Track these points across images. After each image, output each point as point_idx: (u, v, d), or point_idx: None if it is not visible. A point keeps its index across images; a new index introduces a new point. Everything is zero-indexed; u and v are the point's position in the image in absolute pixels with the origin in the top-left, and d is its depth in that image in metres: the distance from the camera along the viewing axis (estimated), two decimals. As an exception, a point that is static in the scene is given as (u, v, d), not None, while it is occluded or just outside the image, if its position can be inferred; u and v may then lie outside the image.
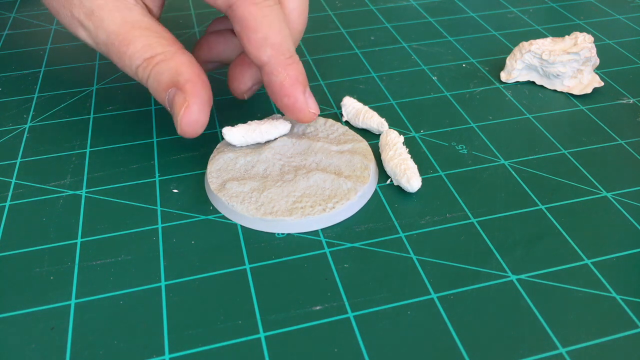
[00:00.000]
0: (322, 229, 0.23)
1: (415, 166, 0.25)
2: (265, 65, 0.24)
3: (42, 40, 0.37)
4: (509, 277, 0.21)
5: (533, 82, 0.32)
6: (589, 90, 0.31)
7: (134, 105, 0.31)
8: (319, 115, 0.29)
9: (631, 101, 0.31)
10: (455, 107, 0.30)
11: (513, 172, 0.26)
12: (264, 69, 0.24)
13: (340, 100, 0.31)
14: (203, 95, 0.23)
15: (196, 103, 0.23)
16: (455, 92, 0.32)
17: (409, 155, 0.25)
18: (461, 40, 0.37)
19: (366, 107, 0.29)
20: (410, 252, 0.22)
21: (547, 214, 0.24)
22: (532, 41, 0.32)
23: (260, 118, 0.29)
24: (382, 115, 0.29)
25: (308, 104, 0.24)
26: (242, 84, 0.27)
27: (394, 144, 0.26)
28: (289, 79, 0.24)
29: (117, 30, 0.24)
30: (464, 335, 0.19)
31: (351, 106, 0.29)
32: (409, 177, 0.24)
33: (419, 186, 0.24)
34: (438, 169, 0.26)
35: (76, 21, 0.24)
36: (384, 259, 0.22)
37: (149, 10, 0.25)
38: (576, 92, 0.31)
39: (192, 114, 0.22)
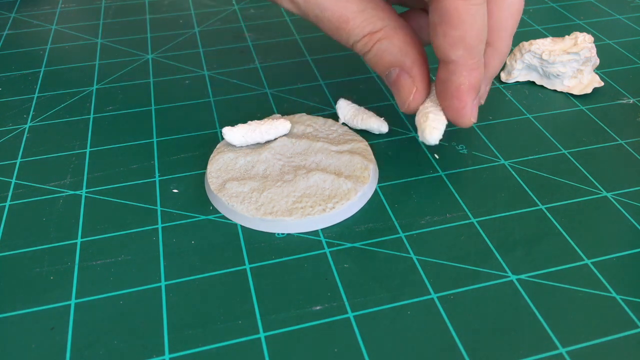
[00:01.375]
0: (322, 229, 0.23)
1: (437, 117, 0.24)
2: (451, 63, 0.22)
3: (42, 40, 0.37)
4: (509, 277, 0.21)
5: (533, 82, 0.32)
6: (589, 90, 0.31)
7: (134, 105, 0.31)
8: (319, 115, 0.29)
9: (631, 101, 0.31)
10: (455, 107, 0.30)
11: (513, 172, 0.26)
12: (448, 66, 0.23)
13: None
14: (427, 77, 0.24)
15: (423, 87, 0.24)
16: (455, 92, 0.32)
17: (434, 107, 0.24)
18: (461, 40, 0.37)
19: (363, 108, 0.29)
20: (410, 252, 0.22)
21: (547, 214, 0.24)
22: (532, 41, 0.32)
23: (260, 118, 0.29)
24: (381, 115, 0.29)
25: (473, 112, 0.24)
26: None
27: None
28: (468, 84, 0.23)
29: (333, 5, 0.23)
30: (464, 335, 0.19)
31: (347, 108, 0.29)
32: (423, 130, 0.24)
33: (435, 140, 0.23)
34: (438, 169, 0.26)
35: None
36: (384, 259, 0.22)
37: None
38: (576, 92, 0.31)
39: (420, 98, 0.24)
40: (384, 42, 0.23)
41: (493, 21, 0.24)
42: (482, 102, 0.26)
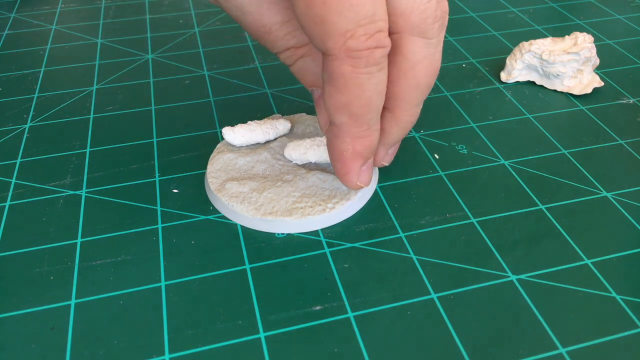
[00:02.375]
0: (322, 229, 0.23)
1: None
2: (335, 127, 0.21)
3: (42, 40, 0.37)
4: (509, 277, 0.21)
5: (533, 82, 0.32)
6: (589, 90, 0.31)
7: (134, 105, 0.31)
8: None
9: (631, 101, 0.31)
10: (455, 107, 0.30)
11: (513, 172, 0.26)
12: (332, 129, 0.21)
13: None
14: None
15: None
16: (455, 92, 0.32)
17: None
18: (461, 40, 0.37)
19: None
20: (410, 252, 0.22)
21: (547, 214, 0.24)
22: (532, 41, 0.32)
23: (260, 118, 0.29)
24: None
25: (360, 177, 0.22)
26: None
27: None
28: (352, 152, 0.21)
29: (255, 12, 0.21)
30: (464, 335, 0.19)
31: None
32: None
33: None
34: (438, 169, 0.26)
35: None
36: (384, 259, 0.22)
37: None
38: (576, 92, 0.31)
39: None
40: (307, 60, 0.22)
41: (395, 89, 0.21)
42: (386, 163, 0.24)
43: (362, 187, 0.23)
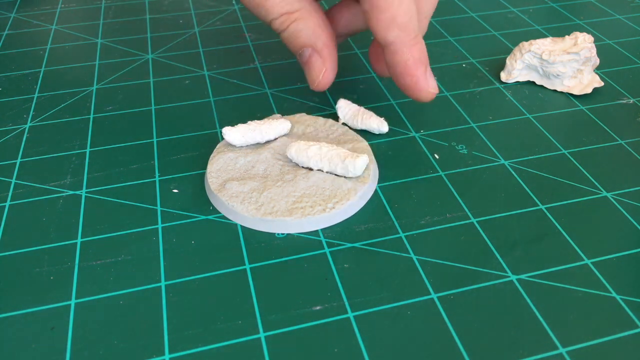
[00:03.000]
0: (322, 229, 0.23)
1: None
2: (391, 44, 0.24)
3: (42, 40, 0.37)
4: (509, 277, 0.21)
5: (533, 82, 0.32)
6: (589, 90, 0.31)
7: (134, 105, 0.31)
8: (319, 115, 0.29)
9: (631, 101, 0.31)
10: (455, 107, 0.30)
11: (513, 172, 0.26)
12: (389, 48, 0.25)
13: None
14: (335, 59, 0.26)
15: (332, 68, 0.26)
16: (455, 92, 0.32)
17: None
18: (461, 40, 0.37)
19: (362, 108, 0.29)
20: (410, 252, 0.22)
21: (547, 214, 0.24)
22: (532, 41, 0.32)
23: (260, 118, 0.29)
24: (381, 115, 0.29)
25: (429, 82, 0.25)
26: (337, 30, 0.28)
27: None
28: (413, 60, 0.24)
29: None
30: (464, 335, 0.19)
31: (347, 108, 0.29)
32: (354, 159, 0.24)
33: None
34: (438, 169, 0.26)
35: None
36: (384, 259, 0.22)
37: None
38: (576, 92, 0.31)
39: (328, 78, 0.26)
40: (300, 23, 0.25)
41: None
42: (432, 90, 0.27)
43: (433, 95, 0.26)
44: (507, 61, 0.32)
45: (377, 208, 0.24)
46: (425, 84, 0.25)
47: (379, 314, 0.20)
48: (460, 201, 0.24)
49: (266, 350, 0.19)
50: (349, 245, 0.23)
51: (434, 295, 0.21)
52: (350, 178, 0.24)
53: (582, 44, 0.30)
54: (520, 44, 0.32)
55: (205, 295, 0.21)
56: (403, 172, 0.26)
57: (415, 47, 0.25)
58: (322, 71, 0.26)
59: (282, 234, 0.23)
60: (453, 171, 0.26)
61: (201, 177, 0.26)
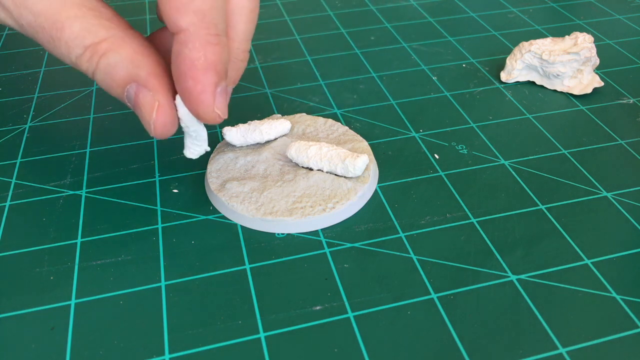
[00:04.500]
0: (322, 229, 0.23)
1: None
2: (181, 32, 0.18)
3: (42, 40, 0.37)
4: (509, 277, 0.21)
5: (533, 82, 0.32)
6: (589, 90, 0.31)
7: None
8: (319, 115, 0.29)
9: (631, 101, 0.31)
10: (455, 107, 0.30)
11: (513, 172, 0.26)
12: (179, 37, 0.19)
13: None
14: (171, 86, 0.20)
15: (167, 101, 0.19)
16: (455, 92, 0.32)
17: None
18: (461, 40, 0.37)
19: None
20: (410, 252, 0.22)
21: (547, 214, 0.24)
22: (532, 41, 0.32)
23: (260, 118, 0.29)
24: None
25: (216, 101, 0.19)
26: (167, 59, 0.21)
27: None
28: (204, 61, 0.19)
29: (46, 10, 0.19)
30: (464, 335, 0.19)
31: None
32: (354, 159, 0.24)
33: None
34: (438, 169, 0.26)
35: None
36: (384, 259, 0.22)
37: None
38: (576, 92, 0.31)
39: (166, 114, 0.20)
40: (111, 55, 0.19)
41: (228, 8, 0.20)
42: (229, 91, 0.21)
43: (219, 119, 0.20)
44: (507, 61, 0.32)
45: (377, 208, 0.24)
46: (209, 97, 0.19)
47: (379, 314, 0.20)
48: (460, 201, 0.24)
49: (266, 350, 0.19)
50: (349, 245, 0.23)
51: (434, 295, 0.21)
52: (350, 178, 0.24)
53: (582, 44, 0.30)
54: (520, 44, 0.32)
55: (205, 295, 0.21)
56: (403, 172, 0.26)
57: (211, 47, 0.19)
58: (155, 107, 0.19)
59: (282, 234, 0.23)
60: (453, 171, 0.26)
61: (201, 177, 0.26)
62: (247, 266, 0.22)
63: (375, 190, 0.25)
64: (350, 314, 0.20)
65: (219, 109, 0.20)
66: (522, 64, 0.32)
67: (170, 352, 0.19)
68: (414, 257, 0.22)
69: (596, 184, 0.25)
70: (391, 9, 0.41)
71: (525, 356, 0.19)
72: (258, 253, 0.22)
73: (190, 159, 0.27)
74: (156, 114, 0.19)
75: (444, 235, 0.23)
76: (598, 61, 0.31)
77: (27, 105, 0.31)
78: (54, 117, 0.30)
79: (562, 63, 0.31)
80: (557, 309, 0.20)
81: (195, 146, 0.22)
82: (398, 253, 0.22)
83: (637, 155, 0.27)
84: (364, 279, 0.21)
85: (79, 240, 0.23)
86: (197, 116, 0.20)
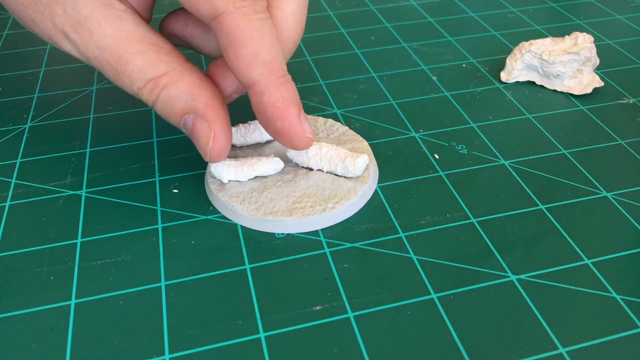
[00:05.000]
0: (322, 229, 0.23)
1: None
2: (256, 84, 0.21)
3: (42, 40, 0.37)
4: (509, 277, 0.21)
5: (533, 82, 0.32)
6: (589, 90, 0.31)
7: (134, 105, 0.31)
8: (319, 115, 0.29)
9: (631, 101, 0.31)
10: (455, 107, 0.30)
11: (513, 172, 0.26)
12: (254, 88, 0.21)
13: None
14: (225, 118, 0.22)
15: (222, 130, 0.22)
16: (455, 92, 0.32)
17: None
18: (461, 40, 0.37)
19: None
20: (410, 252, 0.22)
21: (547, 214, 0.24)
22: (532, 41, 0.32)
23: (260, 118, 0.29)
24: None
25: (305, 128, 0.22)
26: (222, 88, 0.24)
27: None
28: (283, 101, 0.21)
29: (111, 45, 0.21)
30: (464, 335, 0.19)
31: (227, 164, 0.24)
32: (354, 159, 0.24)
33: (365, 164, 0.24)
34: (438, 169, 0.26)
35: (60, 33, 0.22)
36: (384, 259, 0.22)
37: (140, 15, 0.22)
38: (576, 92, 0.31)
39: (221, 143, 0.22)
40: (171, 88, 0.21)
41: (279, 32, 0.23)
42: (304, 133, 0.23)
43: (311, 141, 0.22)
44: (507, 61, 0.32)
45: (377, 208, 0.24)
46: (299, 128, 0.22)
47: (379, 314, 0.20)
48: (460, 201, 0.24)
49: (266, 350, 0.19)
50: (349, 245, 0.23)
51: (434, 295, 0.21)
52: (350, 178, 0.24)
53: (582, 44, 0.30)
54: (520, 44, 0.32)
55: (205, 295, 0.21)
56: (403, 172, 0.26)
57: (284, 87, 0.21)
58: (211, 136, 0.21)
59: (282, 234, 0.23)
60: (453, 171, 0.26)
61: (201, 177, 0.26)
62: (247, 266, 0.22)
63: (375, 190, 0.25)
64: (350, 314, 0.20)
65: (309, 134, 0.22)
66: (522, 64, 0.32)
67: (170, 352, 0.19)
68: (414, 257, 0.22)
69: (596, 184, 0.25)
70: (391, 9, 0.41)
71: (525, 356, 0.19)
72: (258, 253, 0.22)
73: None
74: (213, 142, 0.22)
75: (444, 235, 0.23)
76: (598, 61, 0.31)
77: (27, 105, 0.31)
78: (54, 117, 0.30)
79: (562, 63, 0.31)
80: (557, 309, 0.20)
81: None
82: (398, 253, 0.22)
83: (637, 155, 0.27)
84: (364, 279, 0.21)
85: (79, 240, 0.23)
86: (293, 147, 0.22)
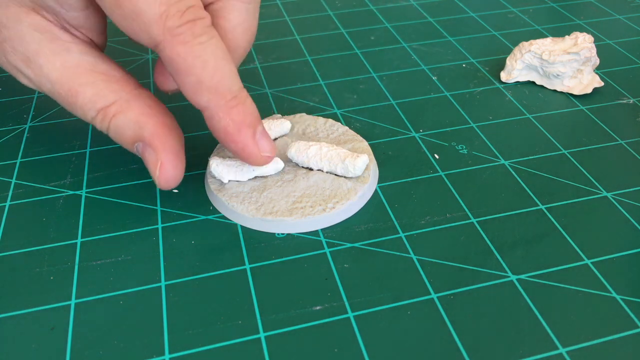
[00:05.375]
0: (322, 229, 0.23)
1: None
2: (205, 110, 0.21)
3: (42, 40, 0.37)
4: (509, 277, 0.21)
5: (533, 82, 0.32)
6: (589, 90, 0.31)
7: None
8: (319, 115, 0.29)
9: (631, 101, 0.31)
10: (455, 107, 0.30)
11: (513, 172, 0.26)
12: (205, 113, 0.21)
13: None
14: (174, 146, 0.21)
15: (169, 159, 0.21)
16: (455, 92, 0.32)
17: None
18: (461, 40, 0.37)
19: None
20: (410, 252, 0.22)
21: (547, 214, 0.24)
22: (532, 41, 0.32)
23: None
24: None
25: (260, 146, 0.22)
26: (169, 83, 0.24)
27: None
28: (234, 124, 0.21)
29: (61, 78, 0.21)
30: (464, 335, 0.19)
31: (223, 165, 0.24)
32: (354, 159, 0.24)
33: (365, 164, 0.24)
34: (438, 169, 0.26)
35: (14, 68, 0.22)
36: (384, 259, 0.22)
37: (90, 42, 0.22)
38: (576, 92, 0.31)
39: (168, 172, 0.21)
40: (120, 117, 0.21)
41: (227, 42, 0.23)
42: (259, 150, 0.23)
43: (270, 159, 0.22)
44: (507, 61, 0.32)
45: (377, 208, 0.24)
46: (254, 149, 0.22)
47: (379, 314, 0.20)
48: (460, 201, 0.24)
49: (266, 350, 0.19)
50: (349, 245, 0.23)
51: (434, 295, 0.21)
52: (350, 178, 0.24)
53: (582, 44, 0.30)
54: (520, 44, 0.32)
55: (205, 295, 0.21)
56: (403, 172, 0.26)
57: (234, 110, 0.21)
58: (157, 166, 0.21)
59: (282, 234, 0.23)
60: (453, 171, 0.26)
61: (201, 177, 0.26)
62: (247, 266, 0.22)
63: (375, 190, 0.25)
64: (350, 314, 0.20)
65: (266, 152, 0.22)
66: (522, 64, 0.32)
67: (170, 352, 0.19)
68: (414, 257, 0.22)
69: (596, 184, 0.25)
70: (391, 9, 0.41)
71: (525, 356, 0.19)
72: (258, 253, 0.22)
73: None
74: (159, 171, 0.21)
75: (444, 235, 0.23)
76: (598, 61, 0.31)
77: (27, 105, 0.31)
78: (54, 117, 0.30)
79: (562, 63, 0.31)
80: (557, 309, 0.20)
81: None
82: (398, 253, 0.22)
83: (637, 155, 0.27)
84: (364, 279, 0.21)
85: (79, 240, 0.23)
86: (253, 165, 0.23)
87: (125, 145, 0.22)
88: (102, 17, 0.22)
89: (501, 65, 0.34)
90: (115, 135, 0.22)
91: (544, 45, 0.31)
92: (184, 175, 0.26)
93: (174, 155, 0.21)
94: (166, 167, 0.21)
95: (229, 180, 0.24)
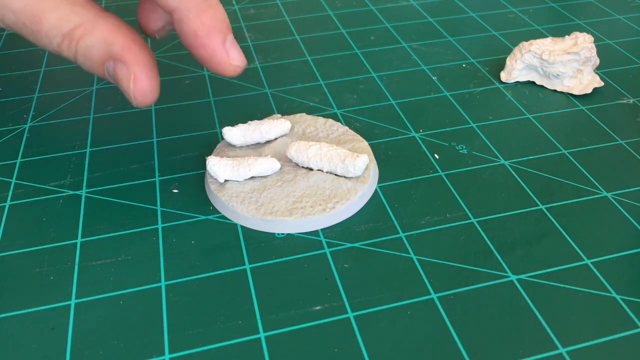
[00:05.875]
0: (322, 229, 0.23)
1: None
2: (175, 11, 0.20)
3: (42, 40, 0.37)
4: (509, 277, 0.21)
5: (533, 82, 0.32)
6: (589, 90, 0.31)
7: (133, 105, 0.31)
8: (319, 115, 0.29)
9: (631, 101, 0.31)
10: (455, 107, 0.30)
11: (513, 172, 0.26)
12: (174, 15, 0.21)
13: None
14: (145, 58, 0.21)
15: (143, 71, 0.21)
16: (455, 92, 0.32)
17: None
18: (461, 40, 0.37)
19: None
20: (410, 252, 0.22)
21: (547, 214, 0.24)
22: (532, 41, 0.32)
23: (260, 118, 0.29)
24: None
25: (230, 55, 0.21)
26: (153, 21, 0.23)
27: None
28: (203, 27, 0.20)
29: (24, 7, 0.20)
30: (464, 335, 0.19)
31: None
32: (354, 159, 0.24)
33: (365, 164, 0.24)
34: (438, 169, 0.26)
35: None
36: (384, 259, 0.22)
37: None
38: (576, 92, 0.31)
39: (143, 84, 0.21)
40: (87, 39, 0.21)
41: None
42: (234, 62, 0.22)
43: (239, 69, 0.22)
44: (507, 61, 0.32)
45: (377, 208, 0.24)
46: (223, 56, 0.21)
47: (379, 314, 0.20)
48: (460, 201, 0.24)
49: (266, 350, 0.19)
50: (349, 245, 0.23)
51: (434, 295, 0.21)
52: (350, 178, 0.24)
53: (582, 44, 0.30)
54: (520, 44, 0.32)
55: (205, 295, 0.21)
56: (403, 172, 0.26)
57: (205, 13, 0.20)
58: (130, 79, 0.21)
59: (282, 234, 0.23)
60: (453, 171, 0.26)
61: (201, 177, 0.26)
62: (247, 266, 0.22)
63: (375, 190, 0.25)
64: (350, 314, 0.20)
65: (235, 61, 0.21)
66: (522, 64, 0.32)
67: (170, 352, 0.19)
68: (414, 257, 0.22)
69: (596, 184, 0.25)
70: (391, 9, 0.41)
71: (525, 356, 0.19)
72: (258, 253, 0.22)
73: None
74: (133, 84, 0.21)
75: (444, 235, 0.23)
76: (598, 61, 0.31)
77: (27, 105, 0.31)
78: (54, 117, 0.30)
79: (562, 63, 0.31)
80: (557, 309, 0.20)
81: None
82: (398, 253, 0.22)
83: (637, 155, 0.27)
84: (364, 279, 0.21)
85: (79, 240, 0.23)
86: (221, 73, 0.22)
87: (96, 69, 0.21)
88: None
89: (501, 65, 0.34)
90: (84, 60, 0.21)
91: (544, 45, 0.31)
92: (184, 176, 0.26)
93: (147, 68, 0.21)
94: (140, 79, 0.21)
95: (226, 180, 0.24)
